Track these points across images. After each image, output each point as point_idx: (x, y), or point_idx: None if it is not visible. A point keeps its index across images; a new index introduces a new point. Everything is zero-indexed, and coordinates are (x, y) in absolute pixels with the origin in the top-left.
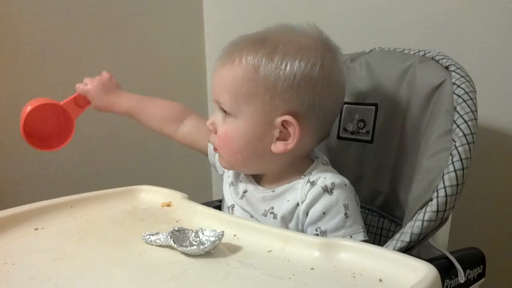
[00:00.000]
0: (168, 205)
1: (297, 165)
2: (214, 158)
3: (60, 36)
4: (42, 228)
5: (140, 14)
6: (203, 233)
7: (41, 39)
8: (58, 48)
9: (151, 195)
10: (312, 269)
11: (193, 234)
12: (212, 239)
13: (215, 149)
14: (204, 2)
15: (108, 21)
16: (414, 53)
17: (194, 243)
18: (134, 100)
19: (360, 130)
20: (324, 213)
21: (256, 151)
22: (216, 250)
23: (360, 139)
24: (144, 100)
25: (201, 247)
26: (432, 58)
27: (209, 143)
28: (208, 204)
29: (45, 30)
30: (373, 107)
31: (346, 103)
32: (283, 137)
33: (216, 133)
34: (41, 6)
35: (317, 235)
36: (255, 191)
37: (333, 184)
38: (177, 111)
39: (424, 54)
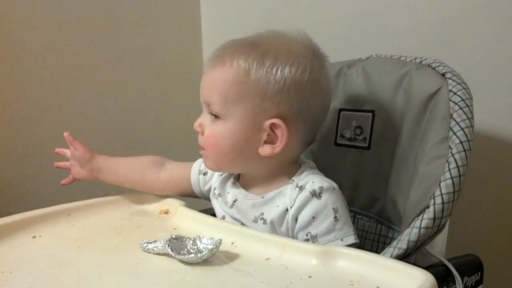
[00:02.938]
0: (166, 213)
1: (285, 169)
2: (199, 187)
3: (59, 38)
4: (40, 236)
5: (138, 16)
6: (200, 241)
7: (40, 42)
8: (57, 49)
9: (149, 203)
10: (310, 277)
11: (191, 242)
12: (210, 247)
13: (201, 149)
14: (201, 5)
15: (106, 23)
16: (411, 60)
17: (191, 251)
18: (110, 157)
19: (357, 137)
20: (313, 217)
21: (243, 153)
22: (214, 258)
23: (357, 145)
24: (119, 157)
25: (199, 255)
26: (428, 65)
27: (191, 176)
28: (205, 211)
29: (45, 33)
30: (370, 114)
31: (343, 109)
32: (270, 141)
33: (203, 134)
34: (39, 8)
35: (308, 240)
36: (245, 199)
37: (321, 188)
38: (157, 158)
39: (421, 61)
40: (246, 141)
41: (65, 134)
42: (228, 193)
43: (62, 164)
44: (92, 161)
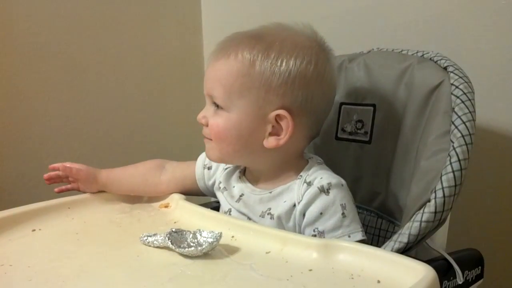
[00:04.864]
0: (166, 206)
1: (292, 164)
2: (203, 182)
3: (58, 35)
4: (40, 229)
5: (138, 13)
6: (201, 234)
7: (39, 39)
8: (56, 47)
9: (149, 197)
10: (310, 270)
11: (191, 235)
12: (210, 240)
13: (207, 140)
14: (202, 2)
15: (106, 20)
16: (412, 54)
17: (192, 244)
18: (110, 170)
19: (358, 131)
20: (321, 213)
21: (248, 145)
22: (214, 252)
23: (358, 139)
24: (121, 167)
25: (199, 248)
26: (430, 59)
27: (196, 170)
28: (206, 205)
29: (43, 30)
30: (371, 108)
31: (344, 103)
32: (275, 132)
33: (207, 125)
34: (39, 6)
35: (315, 235)
36: (252, 193)
37: (329, 184)
38: (157, 161)
39: (423, 55)
40: (251, 133)
41: (61, 168)
42: (234, 187)
43: (64, 188)
44: (97, 180)
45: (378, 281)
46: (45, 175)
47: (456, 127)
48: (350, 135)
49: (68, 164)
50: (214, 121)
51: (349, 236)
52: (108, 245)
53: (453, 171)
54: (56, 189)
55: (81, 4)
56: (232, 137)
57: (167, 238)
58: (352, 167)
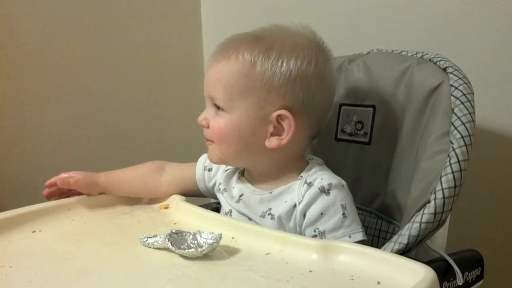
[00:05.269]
0: (166, 208)
1: (293, 165)
2: (204, 183)
3: (58, 36)
4: (40, 231)
5: (138, 14)
6: (201, 236)
7: (39, 39)
8: (56, 47)
9: (149, 198)
10: (310, 271)
11: (191, 236)
12: (210, 241)
13: (208, 142)
14: (202, 2)
15: (106, 20)
16: (412, 55)
17: (192, 245)
18: (110, 173)
19: (358, 132)
20: (321, 213)
21: (250, 145)
22: (214, 253)
23: (358, 140)
24: (121, 170)
25: (199, 249)
26: (430, 60)
27: (196, 172)
28: (206, 206)
29: (43, 30)
30: (371, 109)
31: (344, 104)
32: (277, 133)
33: (208, 127)
34: (39, 6)
35: (316, 236)
36: (252, 194)
37: (330, 184)
38: (156, 163)
39: (422, 56)
40: (253, 134)
41: (58, 182)
42: (233, 188)
43: (64, 195)
44: (97, 184)
45: (378, 282)
46: (44, 193)
47: (456, 128)
48: (350, 136)
49: (64, 175)
50: (215, 122)
51: (350, 237)
52: (108, 247)
53: (452, 172)
54: (56, 197)
55: (81, 5)
56: (233, 138)
57: (167, 240)
58: (351, 168)
